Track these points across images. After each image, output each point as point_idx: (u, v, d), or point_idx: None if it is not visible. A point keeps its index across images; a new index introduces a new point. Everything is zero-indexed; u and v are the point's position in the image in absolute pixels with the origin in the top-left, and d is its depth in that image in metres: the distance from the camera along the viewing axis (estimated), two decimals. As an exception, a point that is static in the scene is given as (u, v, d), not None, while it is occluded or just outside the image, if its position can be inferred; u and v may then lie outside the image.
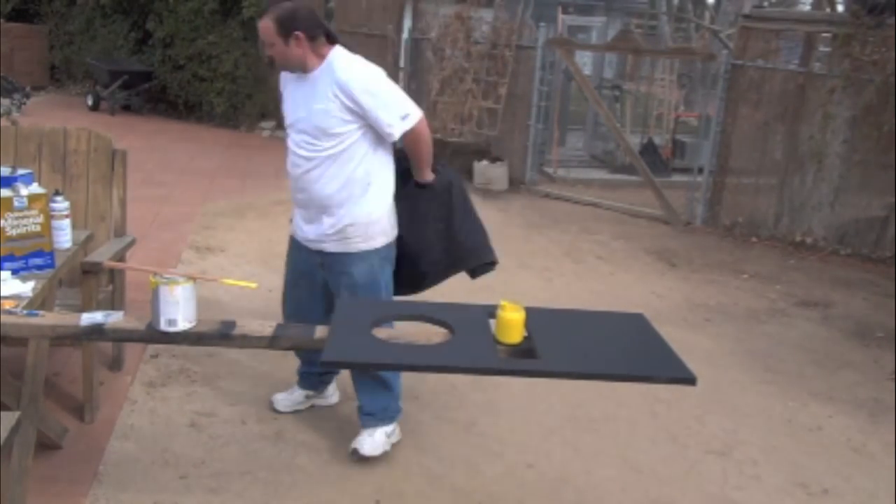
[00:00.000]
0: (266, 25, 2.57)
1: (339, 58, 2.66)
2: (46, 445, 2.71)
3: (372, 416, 2.88)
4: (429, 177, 2.78)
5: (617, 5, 14.36)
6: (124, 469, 2.71)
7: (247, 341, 2.04)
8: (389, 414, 2.92)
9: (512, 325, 1.95)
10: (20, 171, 2.78)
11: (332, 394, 3.25)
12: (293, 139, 2.70)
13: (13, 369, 2.56)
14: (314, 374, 3.13)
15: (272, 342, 2.03)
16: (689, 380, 1.85)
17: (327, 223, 2.70)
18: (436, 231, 2.80)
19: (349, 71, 2.61)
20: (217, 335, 2.01)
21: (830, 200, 6.44)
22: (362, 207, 2.69)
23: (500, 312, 1.96)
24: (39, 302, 2.35)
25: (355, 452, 2.83)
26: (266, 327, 2.05)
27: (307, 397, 3.17)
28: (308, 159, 2.65)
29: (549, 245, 6.12)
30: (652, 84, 10.60)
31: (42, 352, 2.44)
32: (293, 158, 2.71)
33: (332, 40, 2.66)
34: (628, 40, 8.41)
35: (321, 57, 2.64)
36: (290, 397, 3.17)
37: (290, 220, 2.91)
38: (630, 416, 3.38)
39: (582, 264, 5.68)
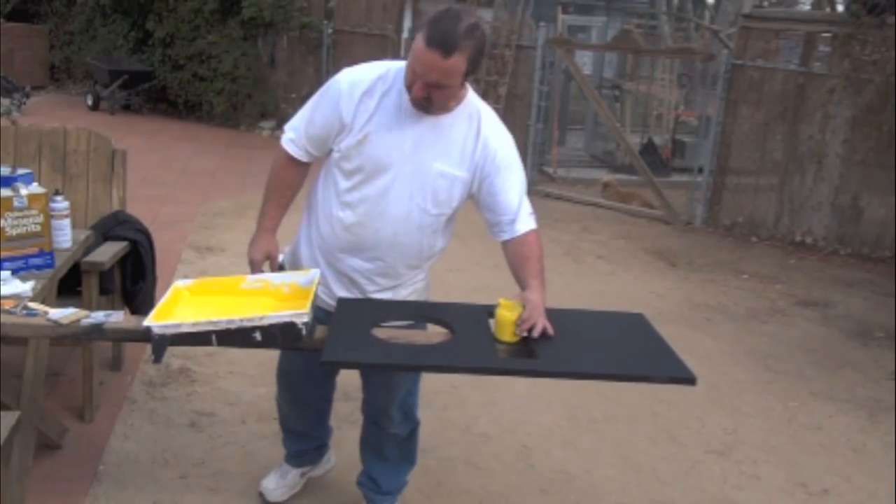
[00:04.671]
0: (455, 65, 1.82)
1: (488, 111, 2.06)
2: (46, 445, 2.71)
3: (389, 496, 2.52)
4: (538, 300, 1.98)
5: (617, 5, 14.37)
6: (124, 469, 2.71)
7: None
8: (403, 486, 2.57)
9: (511, 323, 1.95)
10: (20, 171, 2.77)
11: (329, 459, 2.74)
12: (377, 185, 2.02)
13: (13, 369, 2.56)
14: (311, 450, 2.62)
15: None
16: (689, 380, 1.85)
17: (410, 286, 2.21)
18: None
19: (498, 135, 2.04)
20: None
21: (830, 200, 6.45)
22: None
23: (498, 311, 1.96)
24: (39, 302, 2.35)
25: None
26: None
27: (303, 475, 2.64)
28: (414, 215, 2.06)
29: (549, 245, 6.09)
30: (652, 84, 10.60)
31: (42, 352, 2.44)
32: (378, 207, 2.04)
33: None
34: (628, 40, 8.41)
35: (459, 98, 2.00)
36: (283, 482, 2.58)
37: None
38: (630, 416, 3.38)
39: (582, 264, 5.68)
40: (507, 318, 1.94)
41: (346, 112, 1.98)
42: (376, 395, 2.39)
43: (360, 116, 1.98)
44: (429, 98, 1.89)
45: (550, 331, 1.92)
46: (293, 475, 2.61)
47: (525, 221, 2.07)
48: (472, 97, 2.04)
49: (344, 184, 2.05)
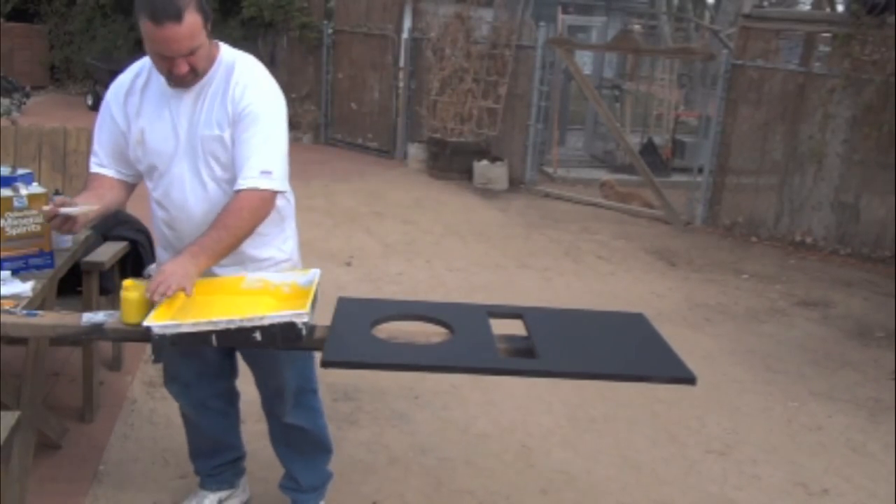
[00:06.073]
0: (192, 23, 1.81)
1: (243, 61, 2.03)
2: (46, 445, 2.71)
3: (314, 492, 2.48)
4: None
5: (617, 5, 14.39)
6: (124, 469, 2.72)
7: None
8: (326, 480, 2.52)
9: (134, 301, 1.85)
10: (20, 171, 2.77)
11: (245, 488, 2.60)
12: (178, 171, 2.02)
13: (13, 369, 2.56)
14: (226, 465, 2.49)
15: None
16: (689, 379, 1.85)
17: (250, 263, 2.12)
18: None
19: (250, 85, 1.99)
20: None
21: (830, 200, 6.45)
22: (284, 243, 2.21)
23: (122, 293, 1.87)
24: (39, 302, 2.35)
25: None
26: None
27: (220, 501, 2.50)
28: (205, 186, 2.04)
29: (549, 245, 6.12)
30: (652, 84, 10.60)
31: (42, 352, 2.44)
32: (182, 191, 2.04)
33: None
34: (628, 40, 8.41)
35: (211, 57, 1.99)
36: None
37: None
38: (630, 416, 3.38)
39: (582, 264, 5.68)
40: (128, 299, 1.85)
41: (119, 118, 2.04)
42: (265, 386, 2.35)
43: (130, 116, 2.03)
44: (192, 69, 1.89)
45: (170, 293, 1.80)
46: (210, 501, 2.47)
47: (247, 179, 1.94)
48: (225, 52, 2.02)
49: (150, 184, 2.11)
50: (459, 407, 3.35)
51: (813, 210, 6.53)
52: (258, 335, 1.79)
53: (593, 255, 5.91)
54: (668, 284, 5.32)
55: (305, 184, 7.45)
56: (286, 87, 11.51)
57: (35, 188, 2.57)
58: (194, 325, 1.78)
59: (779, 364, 4.11)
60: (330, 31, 9.55)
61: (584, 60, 10.53)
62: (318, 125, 9.84)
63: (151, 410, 3.11)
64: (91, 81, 11.30)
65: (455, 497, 2.72)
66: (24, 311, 2.04)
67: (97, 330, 1.92)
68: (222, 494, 2.50)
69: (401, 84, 9.06)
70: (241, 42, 10.14)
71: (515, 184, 8.03)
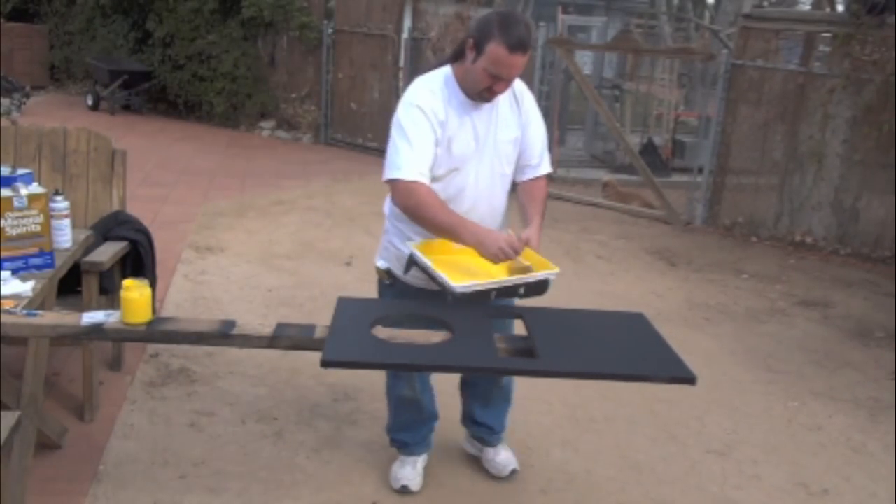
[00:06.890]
0: (528, 58, 2.24)
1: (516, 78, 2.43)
2: (46, 445, 2.71)
3: (503, 433, 2.91)
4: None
5: (617, 5, 14.39)
6: (124, 469, 2.72)
7: (247, 341, 2.04)
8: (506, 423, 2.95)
9: (133, 301, 1.97)
10: (20, 171, 2.78)
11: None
12: (478, 168, 2.40)
13: (13, 369, 2.56)
14: (432, 431, 2.85)
15: (272, 342, 2.03)
16: (689, 379, 1.85)
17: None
18: None
19: (528, 95, 2.48)
20: (217, 335, 2.02)
21: (830, 200, 6.45)
22: None
23: (122, 293, 1.98)
24: (39, 302, 2.35)
25: (514, 472, 2.86)
26: (266, 327, 2.05)
27: (424, 459, 2.87)
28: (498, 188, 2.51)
29: (549, 245, 6.10)
30: (652, 84, 10.60)
31: (42, 352, 2.44)
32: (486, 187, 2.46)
33: None
34: (628, 40, 8.41)
35: None
36: (415, 471, 2.78)
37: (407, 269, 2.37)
38: (630, 416, 3.38)
39: (582, 264, 5.68)
40: (128, 299, 1.96)
41: (438, 130, 2.30)
42: None
43: (442, 128, 2.31)
44: (504, 90, 2.27)
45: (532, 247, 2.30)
46: (421, 462, 2.81)
47: (544, 167, 2.51)
48: None
49: (437, 185, 2.34)
50: (459, 407, 3.34)
51: (813, 210, 6.53)
52: (522, 290, 2.18)
53: (593, 255, 5.91)
54: (668, 284, 5.32)
55: (305, 183, 7.46)
56: (286, 87, 11.44)
57: (35, 188, 2.57)
58: (483, 284, 2.11)
59: (779, 364, 4.11)
60: (330, 30, 9.55)
61: (584, 60, 10.53)
62: (318, 125, 9.83)
63: (151, 410, 3.11)
64: (91, 81, 11.30)
65: (455, 497, 2.73)
66: (24, 311, 2.04)
67: (97, 330, 1.93)
68: (426, 454, 2.83)
69: (401, 84, 9.06)
70: (241, 42, 10.17)
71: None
